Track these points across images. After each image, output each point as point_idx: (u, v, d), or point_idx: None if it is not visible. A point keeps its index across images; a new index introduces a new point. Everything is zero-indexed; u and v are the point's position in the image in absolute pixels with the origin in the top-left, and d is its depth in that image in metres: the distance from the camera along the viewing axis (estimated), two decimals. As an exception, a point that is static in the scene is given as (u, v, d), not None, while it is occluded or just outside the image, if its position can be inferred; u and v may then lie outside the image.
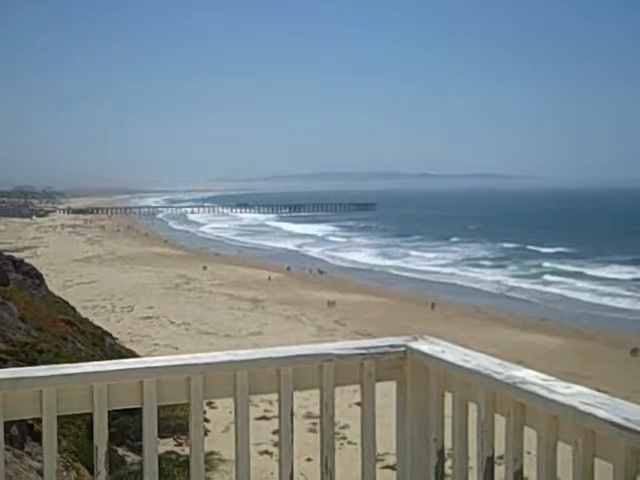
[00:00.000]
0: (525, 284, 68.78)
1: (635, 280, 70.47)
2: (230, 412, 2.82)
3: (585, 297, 62.24)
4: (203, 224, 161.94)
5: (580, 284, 68.17)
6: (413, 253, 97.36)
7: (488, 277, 73.80)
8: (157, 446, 2.75)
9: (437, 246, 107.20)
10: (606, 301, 59.88)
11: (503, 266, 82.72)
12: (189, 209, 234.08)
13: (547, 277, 72.89)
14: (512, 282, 69.94)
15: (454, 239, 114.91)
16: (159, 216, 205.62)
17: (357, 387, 2.94)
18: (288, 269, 75.57)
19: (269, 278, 65.45)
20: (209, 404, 22.70)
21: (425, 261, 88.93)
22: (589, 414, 2.08)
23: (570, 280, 70.94)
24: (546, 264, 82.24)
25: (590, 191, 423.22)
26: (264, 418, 22.42)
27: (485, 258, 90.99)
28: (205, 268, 73.68)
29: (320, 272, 74.94)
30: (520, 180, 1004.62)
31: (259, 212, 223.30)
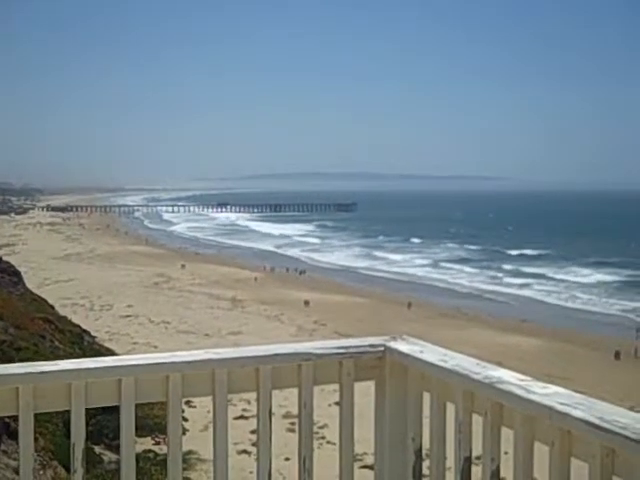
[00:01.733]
0: (489, 286, 69.57)
1: (595, 284, 71.47)
2: (209, 411, 2.82)
3: (544, 298, 63.51)
4: (177, 223, 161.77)
5: (540, 287, 69.06)
6: (391, 254, 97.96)
7: (453, 279, 74.44)
8: (135, 445, 2.74)
9: (414, 247, 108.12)
10: (566, 303, 60.61)
11: (473, 267, 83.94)
12: (164, 208, 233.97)
13: (508, 279, 73.87)
14: (480, 285, 70.73)
15: (428, 240, 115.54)
16: (136, 214, 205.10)
17: (337, 386, 2.94)
18: (270, 269, 75.56)
19: (255, 279, 65.25)
20: (188, 403, 22.64)
21: (402, 262, 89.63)
22: (565, 414, 2.10)
23: (531, 281, 72.35)
24: (508, 267, 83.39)
25: (575, 193, 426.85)
26: (242, 417, 22.37)
27: (456, 260, 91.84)
28: (183, 266, 73.57)
29: (300, 272, 75.02)
30: (501, 182, 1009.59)
31: (239, 212, 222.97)
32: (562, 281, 73.12)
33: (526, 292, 66.53)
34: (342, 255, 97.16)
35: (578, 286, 70.08)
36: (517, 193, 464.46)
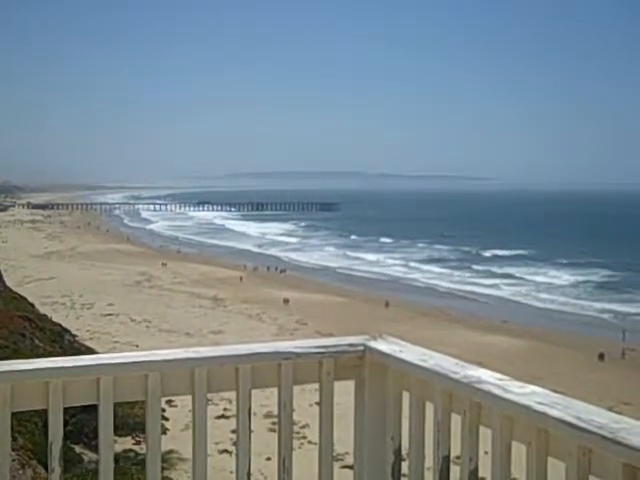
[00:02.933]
0: (466, 286, 70.03)
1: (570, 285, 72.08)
2: (190, 411, 2.81)
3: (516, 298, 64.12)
4: (155, 222, 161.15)
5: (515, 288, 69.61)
6: (368, 254, 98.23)
7: (431, 279, 74.85)
8: (113, 444, 2.73)
9: (392, 247, 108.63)
10: (546, 304, 61.07)
11: (451, 267, 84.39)
12: (143, 206, 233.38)
13: (486, 280, 74.44)
14: (459, 285, 71.20)
15: (407, 240, 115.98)
16: (116, 212, 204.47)
17: (318, 386, 2.94)
18: (251, 268, 75.47)
19: (240, 278, 65.00)
20: (169, 402, 22.58)
21: (380, 261, 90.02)
22: (542, 413, 2.11)
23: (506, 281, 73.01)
24: (477, 267, 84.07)
25: (568, 193, 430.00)
26: (223, 417, 22.37)
27: (435, 260, 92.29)
28: (164, 265, 73.41)
29: (281, 271, 75.02)
30: (488, 182, 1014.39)
31: (220, 210, 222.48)
32: (536, 282, 73.69)
33: (501, 292, 67.03)
34: (322, 254, 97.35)
35: (554, 287, 70.63)
36: (504, 193, 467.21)
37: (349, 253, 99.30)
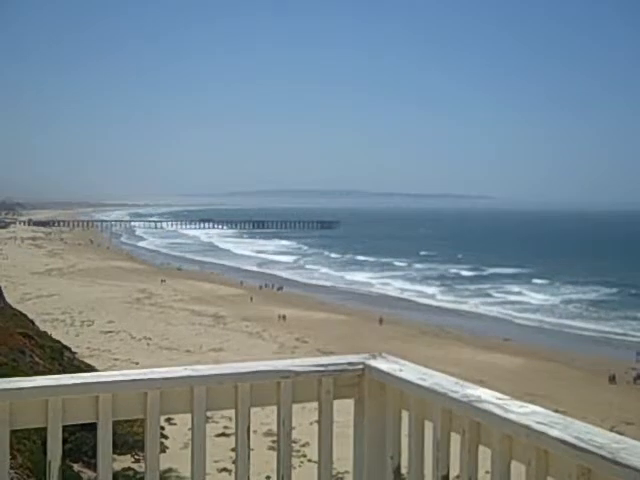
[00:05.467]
0: (461, 305, 70.15)
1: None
2: (189, 429, 2.81)
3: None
4: (153, 240, 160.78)
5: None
6: (366, 272, 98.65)
7: (424, 297, 75.04)
8: (112, 462, 2.72)
9: (395, 266, 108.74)
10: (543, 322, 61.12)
11: (448, 286, 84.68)
12: (141, 224, 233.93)
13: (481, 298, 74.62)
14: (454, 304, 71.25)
15: (404, 258, 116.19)
16: (113, 229, 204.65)
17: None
18: (251, 286, 75.46)
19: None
20: (168, 420, 22.50)
21: (378, 279, 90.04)
22: (542, 433, 2.10)
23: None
24: (472, 286, 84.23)
25: (562, 213, 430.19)
26: (224, 435, 22.26)
27: (431, 278, 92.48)
28: (163, 281, 73.51)
29: (277, 288, 75.01)
30: (485, 200, 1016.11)
31: (221, 228, 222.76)
32: (533, 299, 73.93)
33: (495, 310, 67.14)
34: (320, 272, 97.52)
35: (551, 305, 70.83)
36: (502, 211, 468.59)
37: (346, 271, 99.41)
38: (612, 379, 38.92)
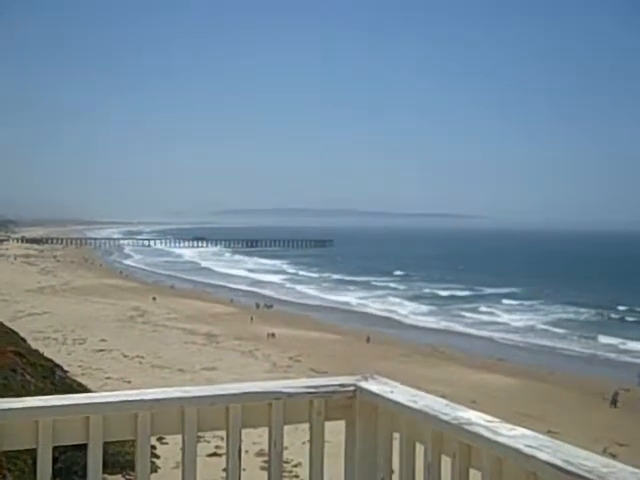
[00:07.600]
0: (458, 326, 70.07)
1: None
2: (181, 449, 2.80)
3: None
4: (134, 257, 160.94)
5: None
6: (359, 290, 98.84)
7: (417, 317, 74.97)
8: (102, 483, 2.72)
9: (384, 283, 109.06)
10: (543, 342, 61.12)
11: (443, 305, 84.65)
12: (130, 242, 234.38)
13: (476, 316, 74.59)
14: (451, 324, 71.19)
15: (399, 274, 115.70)
16: (105, 247, 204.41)
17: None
18: (243, 305, 75.32)
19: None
20: (160, 440, 22.34)
21: (374, 298, 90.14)
22: (531, 456, 2.11)
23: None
24: (466, 305, 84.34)
25: (556, 233, 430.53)
26: (215, 455, 22.10)
27: (423, 297, 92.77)
28: (154, 299, 73.41)
29: (267, 307, 74.67)
30: (477, 220, 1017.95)
31: (215, 246, 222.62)
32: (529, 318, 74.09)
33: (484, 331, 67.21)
34: (312, 291, 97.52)
35: (545, 324, 71.04)
36: (494, 231, 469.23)
37: (338, 290, 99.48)
38: (613, 403, 37.88)
